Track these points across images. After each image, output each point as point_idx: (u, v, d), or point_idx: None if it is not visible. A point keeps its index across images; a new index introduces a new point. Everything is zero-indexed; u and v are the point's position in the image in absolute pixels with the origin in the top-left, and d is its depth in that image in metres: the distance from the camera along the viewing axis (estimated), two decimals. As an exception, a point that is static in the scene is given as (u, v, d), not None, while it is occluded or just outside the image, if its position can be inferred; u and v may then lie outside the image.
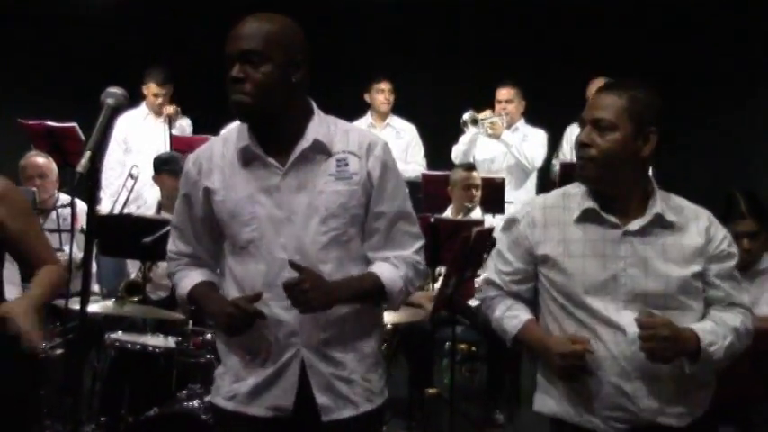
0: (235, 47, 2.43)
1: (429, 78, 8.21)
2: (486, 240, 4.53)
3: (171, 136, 6.66)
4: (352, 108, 7.37)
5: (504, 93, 6.98)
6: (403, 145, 7.31)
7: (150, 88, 6.94)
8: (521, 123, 6.95)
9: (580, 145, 2.58)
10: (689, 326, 2.55)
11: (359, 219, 2.54)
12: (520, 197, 6.60)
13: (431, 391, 5.17)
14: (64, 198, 5.46)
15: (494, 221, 5.81)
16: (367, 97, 7.41)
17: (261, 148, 2.52)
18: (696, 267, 2.58)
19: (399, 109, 7.50)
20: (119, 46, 7.91)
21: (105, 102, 2.36)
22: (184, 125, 7.12)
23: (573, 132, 6.88)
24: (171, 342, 4.21)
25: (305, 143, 2.51)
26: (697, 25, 7.52)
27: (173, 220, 2.71)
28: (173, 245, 2.71)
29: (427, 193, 6.36)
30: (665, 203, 2.62)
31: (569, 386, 2.61)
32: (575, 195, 2.66)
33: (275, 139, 2.52)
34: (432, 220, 5.01)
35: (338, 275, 2.51)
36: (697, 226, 2.61)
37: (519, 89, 6.97)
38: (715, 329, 2.56)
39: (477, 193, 5.88)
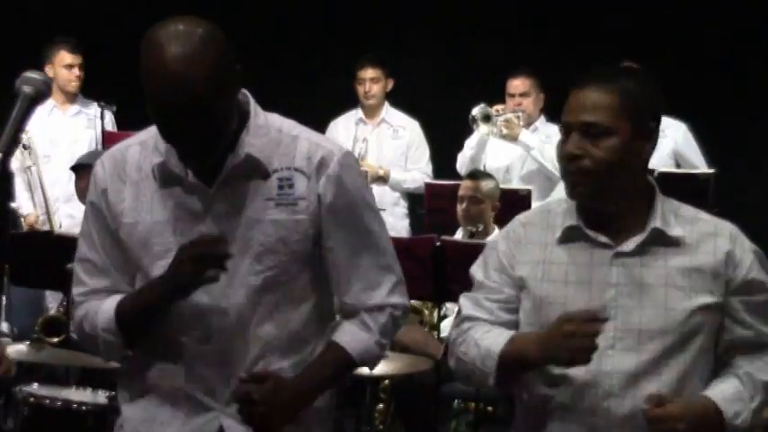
0: (173, 104, 2.34)
1: (435, 65, 8.26)
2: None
3: (103, 130, 6.67)
4: (344, 98, 7.48)
5: (517, 84, 6.96)
6: (401, 146, 7.32)
7: (61, 58, 6.89)
8: (540, 122, 6.97)
9: (569, 157, 2.60)
10: (707, 395, 2.56)
11: (304, 255, 2.54)
12: None
13: (435, 462, 5.19)
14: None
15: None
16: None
17: (182, 164, 2.49)
18: (709, 298, 2.58)
19: (398, 101, 7.53)
20: (28, 24, 7.92)
21: (21, 90, 2.35)
22: (107, 119, 7.02)
23: None
24: (101, 397, 4.19)
25: (235, 159, 2.48)
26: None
27: (77, 255, 2.64)
28: (80, 286, 2.63)
29: (432, 209, 6.37)
30: (671, 215, 2.64)
31: None
32: (558, 213, 2.70)
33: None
34: (437, 242, 5.00)
35: (269, 324, 2.54)
36: (714, 244, 2.61)
37: (536, 79, 6.96)
38: (740, 393, 2.58)
39: (478, 208, 5.88)
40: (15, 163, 6.68)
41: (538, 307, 2.63)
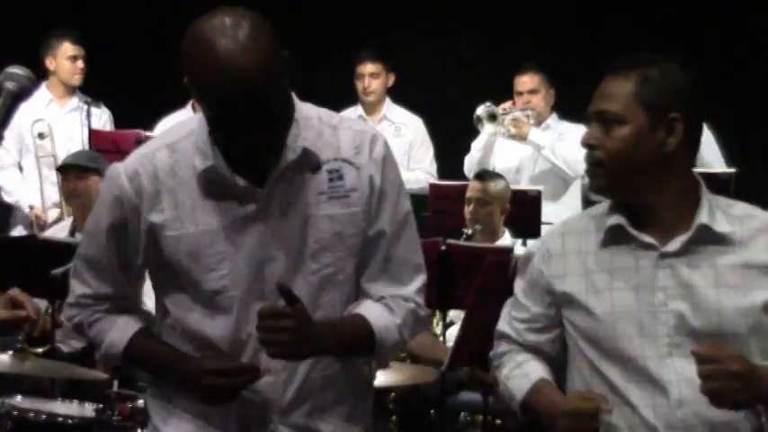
0: (234, 97, 2.31)
1: (439, 59, 8.26)
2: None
3: (90, 129, 6.67)
4: (343, 94, 7.46)
5: (525, 80, 6.95)
6: (404, 144, 7.30)
7: (65, 50, 7.01)
8: (552, 119, 6.96)
9: (586, 148, 2.64)
10: None
11: (356, 250, 2.55)
12: (560, 214, 6.55)
13: (441, 479, 5.17)
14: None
15: (523, 250, 5.79)
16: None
17: (228, 166, 2.47)
18: (766, 295, 2.56)
19: (400, 98, 7.52)
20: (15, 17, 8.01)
21: (4, 86, 2.36)
22: (105, 117, 7.15)
23: None
24: (89, 410, 4.20)
25: (291, 154, 2.47)
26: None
27: (83, 250, 2.64)
28: (83, 285, 2.64)
29: (437, 211, 6.33)
30: (719, 211, 2.62)
31: None
32: (600, 214, 2.70)
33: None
34: (442, 246, 4.98)
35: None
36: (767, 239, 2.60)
37: (544, 74, 6.95)
38: None
39: (487, 211, 5.85)
40: (15, 155, 6.89)
41: (587, 321, 2.64)
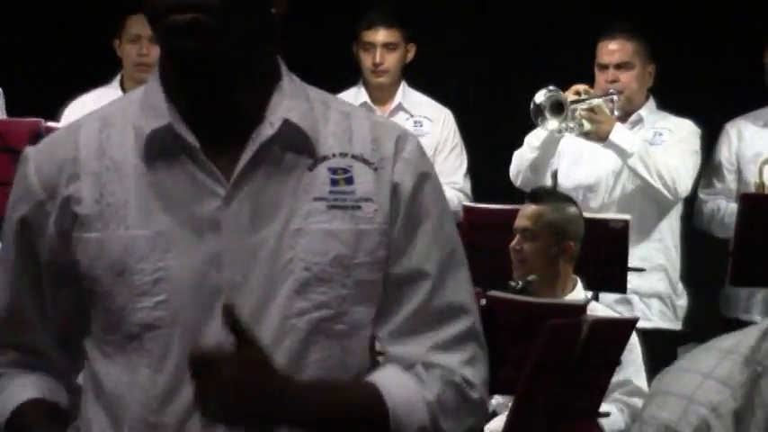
0: None
1: (473, 28, 8.44)
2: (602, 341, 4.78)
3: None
4: (339, 72, 7.46)
5: (613, 50, 6.87)
6: (427, 148, 7.06)
7: None
8: (647, 109, 6.92)
9: None
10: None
11: (370, 290, 2.48)
12: (649, 258, 6.61)
13: None
14: None
15: (601, 309, 5.73)
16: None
17: (193, 133, 2.45)
18: None
19: (418, 83, 7.49)
20: None
21: None
22: None
23: (742, 133, 6.89)
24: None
25: (267, 129, 2.42)
26: None
27: None
28: None
29: (474, 246, 5.99)
30: None
31: None
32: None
33: (219, 119, 2.47)
34: (483, 300, 4.91)
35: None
36: None
37: (642, 43, 6.87)
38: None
39: (531, 247, 5.77)
40: None
41: None
